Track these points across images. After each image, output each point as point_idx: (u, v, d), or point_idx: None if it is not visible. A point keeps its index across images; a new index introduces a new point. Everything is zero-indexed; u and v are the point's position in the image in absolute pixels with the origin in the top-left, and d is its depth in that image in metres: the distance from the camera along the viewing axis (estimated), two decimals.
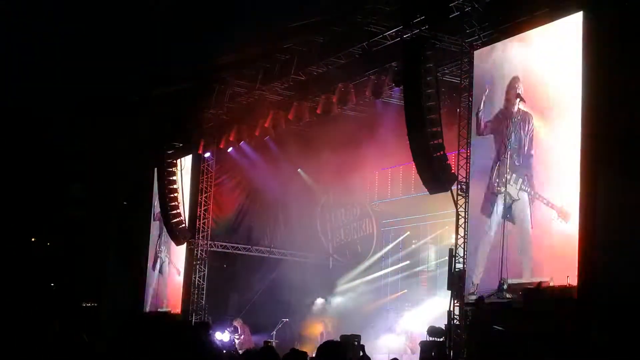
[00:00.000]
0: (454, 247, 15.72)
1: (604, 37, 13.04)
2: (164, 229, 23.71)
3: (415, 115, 15.32)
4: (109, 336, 21.98)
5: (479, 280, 15.11)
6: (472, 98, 15.54)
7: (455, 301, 15.27)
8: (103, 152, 24.40)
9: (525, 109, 14.55)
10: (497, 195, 14.97)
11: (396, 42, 17.05)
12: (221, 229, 24.20)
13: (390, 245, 24.59)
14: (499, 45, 15.17)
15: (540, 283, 13.49)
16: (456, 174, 15.65)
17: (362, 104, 20.34)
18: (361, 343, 18.33)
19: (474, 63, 15.56)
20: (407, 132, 15.68)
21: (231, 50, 19.17)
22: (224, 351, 17.28)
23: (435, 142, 15.12)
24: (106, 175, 25.02)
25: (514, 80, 14.84)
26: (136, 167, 24.87)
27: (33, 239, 26.85)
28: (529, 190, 14.39)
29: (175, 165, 23.14)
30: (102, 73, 20.30)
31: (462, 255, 15.34)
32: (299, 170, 24.84)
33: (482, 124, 15.42)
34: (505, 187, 14.76)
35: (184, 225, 22.82)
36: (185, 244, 23.19)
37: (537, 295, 13.08)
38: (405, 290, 23.04)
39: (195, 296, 22.90)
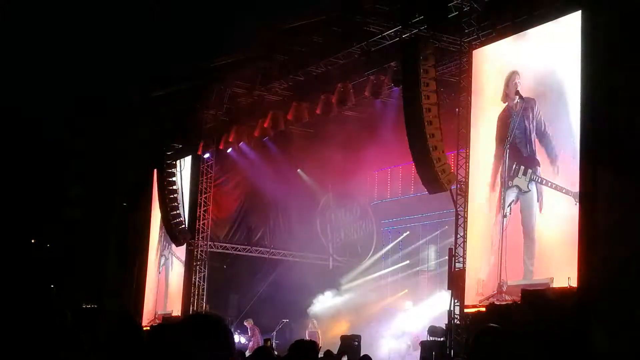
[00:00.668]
0: (453, 247, 15.73)
1: (603, 36, 13.04)
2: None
3: (415, 115, 15.33)
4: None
5: (486, 279, 15.06)
6: (471, 97, 15.54)
7: (456, 300, 15.27)
8: (103, 153, 24.41)
9: (527, 96, 14.54)
10: (503, 191, 14.89)
11: (395, 42, 17.06)
12: (221, 229, 24.19)
13: (390, 245, 24.59)
14: (497, 44, 15.18)
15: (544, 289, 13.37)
16: (455, 173, 15.65)
17: (362, 104, 20.35)
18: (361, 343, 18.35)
19: (473, 62, 15.56)
20: (407, 132, 15.69)
21: (230, 51, 19.19)
22: None
23: (434, 141, 15.13)
24: (106, 176, 25.03)
25: (513, 74, 14.82)
26: (136, 168, 24.86)
27: (33, 241, 26.84)
28: (539, 180, 14.32)
29: (174, 166, 23.13)
30: (103, 74, 20.32)
31: (461, 254, 15.34)
32: (298, 170, 24.84)
33: (483, 120, 15.37)
34: (513, 180, 14.75)
35: (183, 226, 22.81)
36: (185, 245, 23.18)
37: (537, 299, 12.95)
38: (406, 290, 23.04)
39: (196, 297, 22.89)
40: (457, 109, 16.38)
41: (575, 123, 13.36)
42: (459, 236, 15.57)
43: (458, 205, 15.66)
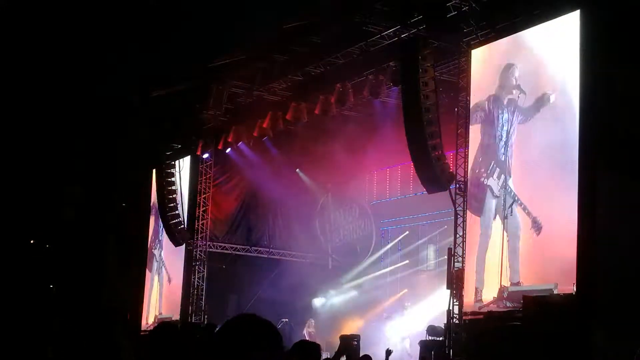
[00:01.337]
0: (452, 247, 15.74)
1: (602, 36, 13.05)
2: (161, 231, 23.73)
3: (414, 114, 15.35)
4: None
5: (483, 285, 14.94)
6: (469, 97, 15.55)
7: (455, 300, 15.28)
8: (102, 153, 24.38)
9: (517, 97, 14.46)
10: (486, 191, 14.88)
11: (394, 42, 17.06)
12: (220, 229, 24.19)
13: (389, 245, 24.62)
14: (496, 44, 15.19)
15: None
16: (454, 173, 15.66)
17: (361, 104, 20.36)
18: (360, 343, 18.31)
19: (472, 62, 15.57)
20: (405, 132, 15.70)
21: (229, 51, 19.18)
22: None
23: (433, 141, 15.15)
24: (105, 176, 25.00)
25: (510, 67, 14.73)
26: (135, 168, 24.85)
27: (32, 241, 26.83)
28: (508, 189, 14.32)
29: (173, 166, 23.12)
30: (101, 74, 20.28)
31: (460, 254, 15.35)
32: (297, 170, 24.85)
33: (476, 112, 15.37)
34: (488, 180, 14.77)
35: (182, 226, 22.81)
36: (183, 245, 23.18)
37: (539, 305, 12.65)
38: (405, 290, 23.05)
39: (195, 297, 22.89)
40: (456, 109, 16.39)
41: (573, 128, 13.22)
42: (458, 236, 15.58)
43: (457, 205, 15.67)
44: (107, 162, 24.55)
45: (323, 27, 17.76)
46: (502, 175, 14.47)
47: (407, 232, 24.10)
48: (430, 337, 17.14)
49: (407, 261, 23.62)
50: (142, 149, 23.90)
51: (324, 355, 12.94)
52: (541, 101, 14.01)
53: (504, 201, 14.55)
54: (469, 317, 14.82)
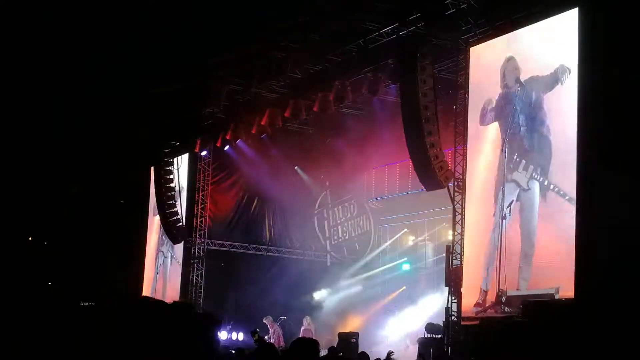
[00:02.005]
0: (451, 244, 15.75)
1: (600, 33, 13.04)
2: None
3: (412, 112, 15.35)
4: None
5: (488, 288, 14.56)
6: (468, 95, 15.54)
7: (453, 298, 15.29)
8: (100, 151, 24.36)
9: (527, 79, 14.19)
10: (502, 189, 14.53)
11: (392, 40, 17.05)
12: (218, 227, 24.19)
13: (388, 243, 24.63)
14: (494, 41, 15.18)
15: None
16: (453, 170, 15.66)
17: (359, 102, 20.34)
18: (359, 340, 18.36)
19: (470, 59, 15.56)
20: (404, 129, 15.71)
21: (227, 48, 19.15)
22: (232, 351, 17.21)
23: (431, 139, 15.14)
24: (103, 174, 24.98)
25: (511, 60, 14.58)
26: (133, 166, 24.82)
27: (30, 238, 26.82)
28: (541, 179, 13.75)
29: (172, 163, 23.12)
30: (99, 72, 20.26)
31: (459, 251, 15.36)
32: (296, 168, 24.85)
33: (486, 113, 15.18)
34: (512, 174, 14.28)
35: (181, 223, 22.81)
36: (182, 243, 23.18)
37: (539, 311, 12.21)
38: (404, 287, 23.06)
39: (193, 295, 22.89)
40: (454, 106, 16.39)
41: (572, 123, 13.14)
42: (456, 233, 15.59)
43: (455, 203, 15.68)
44: (105, 160, 24.53)
45: (322, 24, 17.74)
46: (530, 165, 13.94)
47: (406, 230, 24.11)
48: (428, 335, 17.16)
49: (405, 258, 23.63)
50: (140, 146, 23.88)
51: (321, 353, 12.95)
52: (546, 99, 13.94)
53: (503, 199, 14.29)
54: (466, 322, 14.58)
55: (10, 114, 21.76)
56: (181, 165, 23.53)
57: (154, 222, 24.96)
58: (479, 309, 14.51)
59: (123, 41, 18.56)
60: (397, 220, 24.44)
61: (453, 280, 15.33)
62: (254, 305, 23.05)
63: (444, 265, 16.21)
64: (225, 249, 24.26)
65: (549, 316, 12.14)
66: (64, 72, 20.24)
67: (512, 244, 13.98)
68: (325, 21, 17.59)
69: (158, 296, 24.33)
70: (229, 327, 22.58)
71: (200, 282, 23.09)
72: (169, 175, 22.89)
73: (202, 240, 23.50)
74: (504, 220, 14.18)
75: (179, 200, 22.92)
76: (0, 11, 16.42)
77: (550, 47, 13.93)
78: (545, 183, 13.69)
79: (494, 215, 14.61)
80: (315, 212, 25.79)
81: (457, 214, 15.62)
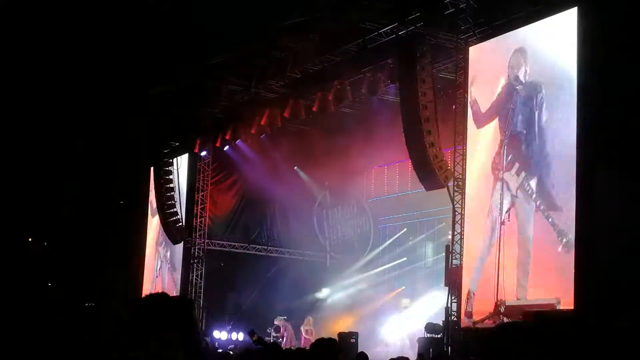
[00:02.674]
0: (450, 244, 15.75)
1: (599, 33, 13.05)
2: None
3: (411, 112, 15.36)
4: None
5: (476, 288, 14.44)
6: (467, 94, 15.55)
7: (453, 297, 15.29)
8: (100, 151, 24.35)
9: (532, 81, 14.03)
10: (500, 191, 14.46)
11: (391, 39, 17.05)
12: (218, 227, 24.19)
13: (388, 242, 24.62)
14: (494, 41, 15.19)
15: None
16: (452, 170, 15.67)
17: (358, 101, 20.34)
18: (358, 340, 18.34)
19: (470, 59, 15.57)
20: (403, 129, 15.71)
21: (227, 48, 19.15)
22: (219, 350, 17.21)
23: (431, 138, 15.15)
24: (103, 174, 24.98)
25: (517, 53, 14.44)
26: (133, 166, 24.82)
27: (30, 239, 26.81)
28: (530, 191, 13.65)
29: (171, 164, 23.12)
30: (99, 72, 20.25)
31: (458, 251, 15.36)
32: (295, 168, 24.84)
33: (483, 113, 15.16)
34: (504, 175, 14.21)
35: (180, 224, 22.81)
36: (182, 243, 23.18)
37: (541, 323, 11.74)
38: (403, 287, 23.06)
39: (193, 295, 22.88)
40: (453, 106, 16.40)
41: (572, 128, 13.10)
42: (456, 233, 15.59)
43: (455, 202, 15.68)
44: (105, 160, 24.52)
45: (321, 24, 17.74)
46: (523, 171, 13.84)
47: (405, 229, 24.10)
48: (428, 335, 17.15)
49: (405, 258, 23.62)
50: (140, 147, 23.88)
51: None
52: (546, 99, 13.90)
53: (501, 204, 14.04)
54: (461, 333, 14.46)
55: (10, 113, 21.76)
56: (181, 165, 23.53)
57: (153, 223, 24.96)
58: (476, 319, 14.18)
59: (123, 41, 18.56)
60: (397, 220, 24.43)
61: (453, 280, 15.34)
62: (254, 306, 23.06)
63: (443, 264, 16.22)
64: (224, 249, 24.26)
65: (550, 328, 12.00)
66: (63, 71, 20.24)
67: (510, 251, 13.73)
68: (324, 21, 17.60)
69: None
70: (229, 327, 22.58)
71: (200, 283, 23.09)
72: (168, 176, 22.90)
73: (202, 240, 23.50)
74: (502, 226, 13.94)
75: (178, 200, 22.92)
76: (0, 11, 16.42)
77: (550, 46, 13.93)
78: (534, 197, 13.64)
79: (488, 217, 14.49)
80: (315, 212, 25.79)
81: (456, 213, 15.62)
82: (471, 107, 15.41)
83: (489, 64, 15.26)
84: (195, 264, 23.22)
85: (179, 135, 23.13)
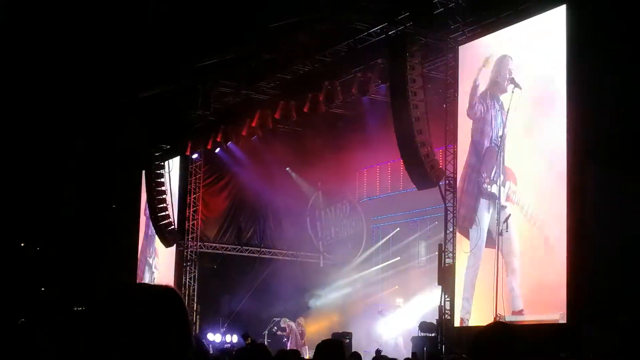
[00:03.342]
0: (443, 243, 15.77)
1: (588, 30, 13.08)
2: (152, 233, 23.67)
3: (402, 111, 15.36)
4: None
5: (470, 316, 14.21)
6: (457, 94, 15.58)
7: (446, 296, 15.31)
8: (92, 155, 24.31)
9: (522, 86, 14.06)
10: (484, 200, 14.41)
11: (381, 39, 17.06)
12: (211, 229, 24.16)
13: (381, 242, 24.62)
14: (483, 40, 15.21)
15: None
16: (444, 169, 15.69)
17: (349, 102, 20.35)
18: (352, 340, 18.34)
19: (459, 58, 15.59)
20: (394, 129, 15.72)
21: (217, 50, 19.13)
22: (211, 352, 17.19)
23: (422, 138, 15.16)
24: (95, 179, 24.93)
25: (504, 59, 14.49)
26: (125, 170, 24.80)
27: (22, 244, 26.74)
28: (514, 197, 13.64)
29: (163, 167, 23.09)
30: (89, 76, 20.22)
31: (451, 250, 15.38)
32: (287, 169, 24.83)
33: (475, 104, 15.15)
34: (491, 187, 14.14)
35: (173, 227, 22.77)
36: (174, 246, 23.14)
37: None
38: (397, 287, 23.07)
39: (187, 298, 22.84)
40: (444, 105, 16.42)
41: (561, 124, 13.08)
42: (448, 232, 15.62)
43: (447, 201, 15.70)
44: (97, 164, 24.48)
45: (311, 25, 17.74)
46: (507, 182, 13.81)
47: (398, 229, 24.11)
48: (422, 333, 17.17)
49: (398, 258, 23.63)
50: (131, 150, 23.85)
51: (310, 354, 12.92)
52: (535, 98, 13.90)
53: (498, 214, 13.91)
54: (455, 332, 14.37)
55: (3, 117, 21.71)
56: (172, 168, 23.48)
57: (143, 229, 24.94)
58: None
59: (114, 45, 18.53)
60: (390, 219, 24.45)
61: (446, 279, 15.36)
62: (247, 307, 23.04)
63: (436, 263, 16.23)
64: (217, 251, 24.23)
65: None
66: (56, 76, 20.21)
67: (508, 264, 13.54)
68: (314, 22, 17.60)
69: None
70: (222, 329, 22.56)
71: (193, 285, 23.05)
72: (160, 179, 22.86)
73: (195, 243, 23.46)
74: (500, 237, 13.67)
75: (170, 203, 22.88)
76: None
77: (539, 44, 13.96)
78: (517, 201, 13.59)
79: (487, 229, 14.27)
80: (308, 213, 25.79)
81: (448, 212, 15.65)
82: (463, 105, 15.42)
83: (477, 64, 15.26)
84: (188, 267, 23.18)
85: (170, 138, 23.10)
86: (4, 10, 16.89)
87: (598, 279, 12.23)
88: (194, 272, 23.23)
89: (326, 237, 25.79)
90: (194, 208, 23.52)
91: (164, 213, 22.66)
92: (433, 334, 16.28)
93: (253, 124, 20.49)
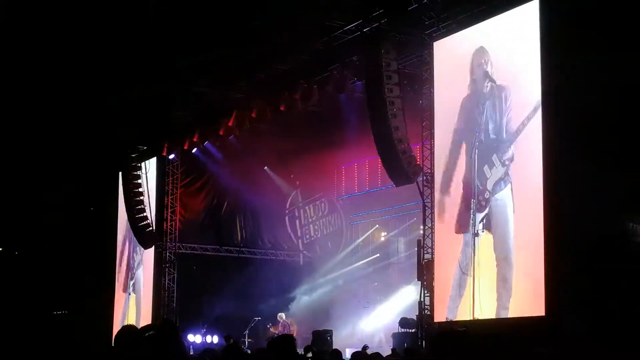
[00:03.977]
0: (422, 238, 15.80)
1: (560, 23, 13.14)
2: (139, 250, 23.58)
3: (378, 108, 15.37)
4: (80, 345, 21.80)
5: (450, 313, 14.14)
6: (434, 89, 15.61)
7: (426, 292, 15.34)
8: (67, 158, 24.11)
9: (499, 84, 14.00)
10: (473, 202, 14.24)
11: (357, 36, 17.06)
12: (189, 230, 24.04)
13: (360, 239, 24.67)
14: (458, 35, 15.24)
15: None
16: (421, 165, 15.72)
17: (326, 100, 20.31)
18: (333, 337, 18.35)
19: (435, 54, 15.62)
20: (371, 126, 15.73)
21: (193, 51, 19.04)
22: (191, 353, 17.16)
23: (399, 134, 15.18)
24: (71, 182, 24.74)
25: (480, 52, 14.45)
26: (101, 172, 24.65)
27: (0, 249, 26.52)
28: (512, 180, 13.37)
29: (139, 168, 22.95)
30: (65, 77, 20.07)
31: (430, 245, 15.42)
32: (265, 168, 24.80)
33: (447, 112, 15.20)
34: (484, 184, 13.87)
35: (151, 228, 22.65)
36: (153, 248, 23.03)
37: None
38: (376, 283, 23.13)
39: (166, 299, 22.75)
40: (420, 101, 16.45)
41: (537, 117, 13.09)
42: (427, 227, 15.65)
43: (425, 197, 15.74)
44: (72, 167, 24.29)
45: (286, 23, 17.69)
46: (501, 165, 13.66)
47: (377, 226, 24.18)
48: (402, 329, 17.22)
49: (377, 254, 23.69)
50: (107, 152, 23.70)
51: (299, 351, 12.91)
52: (510, 92, 13.92)
53: (474, 215, 13.77)
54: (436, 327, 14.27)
55: None
56: (149, 169, 23.33)
57: (123, 235, 24.80)
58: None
59: (90, 45, 18.41)
60: (368, 216, 24.50)
61: (425, 274, 15.39)
62: (228, 308, 22.97)
63: (415, 259, 16.27)
64: (196, 252, 24.13)
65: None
66: (29, 76, 20.04)
67: (487, 265, 13.40)
68: (289, 20, 17.55)
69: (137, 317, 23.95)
70: (203, 330, 22.49)
71: (173, 287, 22.94)
72: (137, 180, 22.73)
73: (173, 244, 23.35)
74: (476, 238, 13.56)
75: (148, 204, 22.75)
76: None
77: (514, 39, 13.99)
78: (516, 184, 13.45)
79: (463, 230, 14.19)
80: (287, 211, 25.77)
81: (427, 208, 15.68)
82: (439, 102, 15.43)
83: (453, 60, 15.29)
84: (167, 269, 23.07)
85: (147, 139, 22.97)
86: (4, 10, 16.76)
87: (576, 272, 12.30)
88: (174, 273, 23.13)
89: (305, 235, 25.79)
90: (172, 209, 23.41)
91: (141, 215, 22.53)
92: (413, 330, 16.33)
93: (230, 124, 20.43)
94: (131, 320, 23.28)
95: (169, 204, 23.35)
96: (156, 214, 22.97)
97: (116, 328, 23.91)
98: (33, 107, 21.66)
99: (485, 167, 14.07)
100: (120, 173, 23.66)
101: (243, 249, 24.79)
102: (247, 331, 21.90)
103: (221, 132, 20.87)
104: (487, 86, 14.31)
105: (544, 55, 13.06)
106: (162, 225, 23.14)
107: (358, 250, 24.68)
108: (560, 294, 12.12)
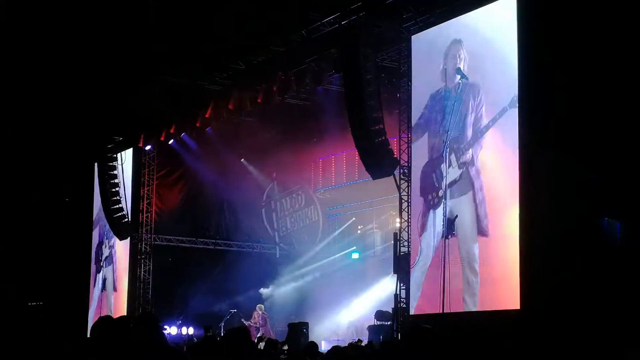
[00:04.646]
0: (398, 231, 15.84)
1: (538, 18, 13.18)
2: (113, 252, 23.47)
3: (356, 101, 15.37)
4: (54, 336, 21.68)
5: (415, 310, 14.47)
6: (411, 82, 15.63)
7: (402, 284, 15.39)
8: (42, 148, 23.90)
9: (472, 81, 14.06)
10: (436, 203, 14.41)
11: (335, 29, 17.03)
12: (165, 222, 23.93)
13: (337, 232, 24.67)
14: (436, 29, 15.25)
15: None
16: (398, 158, 15.74)
17: (303, 92, 20.30)
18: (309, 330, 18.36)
19: (412, 48, 15.63)
20: (348, 118, 15.72)
21: (169, 42, 18.92)
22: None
23: (376, 127, 15.19)
24: (46, 172, 24.54)
25: (454, 45, 14.48)
26: (77, 163, 24.46)
27: None
28: (474, 174, 13.62)
29: (115, 159, 22.80)
30: (41, 69, 19.89)
31: (406, 238, 15.46)
32: (242, 160, 24.73)
33: (424, 106, 15.24)
34: (448, 184, 13.99)
35: (126, 219, 22.52)
36: (128, 239, 22.91)
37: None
38: (352, 276, 23.14)
39: (141, 291, 22.65)
40: (397, 94, 16.47)
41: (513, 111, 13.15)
42: (403, 220, 15.69)
43: (402, 190, 15.77)
44: (47, 157, 24.09)
45: (264, 15, 17.62)
46: (463, 160, 13.83)
47: (354, 219, 24.18)
48: (378, 322, 17.25)
49: (354, 247, 23.71)
50: (83, 143, 23.52)
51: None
52: (487, 86, 13.97)
53: (445, 218, 13.81)
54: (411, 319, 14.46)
55: None
56: (125, 160, 23.18)
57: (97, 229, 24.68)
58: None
59: (64, 34, 18.25)
60: (345, 209, 24.50)
61: (401, 267, 15.43)
62: (203, 300, 22.92)
63: (392, 252, 16.30)
64: (172, 244, 24.03)
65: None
66: (4, 68, 19.84)
67: (454, 261, 13.57)
68: (267, 11, 17.48)
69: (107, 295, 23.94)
70: (178, 322, 22.42)
71: (148, 278, 22.85)
72: (112, 171, 22.58)
73: (149, 235, 23.24)
74: (446, 240, 13.48)
75: (123, 196, 22.61)
76: None
77: (491, 33, 14.02)
78: (479, 178, 13.61)
79: (433, 230, 14.35)
80: (263, 204, 25.73)
81: (403, 201, 15.73)
82: (416, 95, 15.46)
83: (430, 53, 15.30)
84: (142, 260, 22.96)
85: (123, 129, 22.81)
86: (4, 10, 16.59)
87: (549, 265, 12.38)
88: (149, 265, 23.03)
89: (282, 228, 25.76)
90: (148, 200, 23.30)
91: (117, 206, 22.40)
92: (389, 323, 16.37)
93: (206, 115, 20.32)
94: (104, 313, 23.17)
95: (145, 195, 23.23)
96: (132, 205, 22.84)
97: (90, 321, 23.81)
98: (7, 98, 21.46)
99: (443, 166, 14.16)
100: (95, 164, 23.47)
101: (219, 241, 24.72)
102: (222, 323, 21.86)
103: (198, 124, 20.75)
104: (457, 83, 14.35)
105: (522, 48, 13.10)
106: (137, 216, 23.02)
107: (335, 243, 24.68)
108: (535, 289, 12.23)
